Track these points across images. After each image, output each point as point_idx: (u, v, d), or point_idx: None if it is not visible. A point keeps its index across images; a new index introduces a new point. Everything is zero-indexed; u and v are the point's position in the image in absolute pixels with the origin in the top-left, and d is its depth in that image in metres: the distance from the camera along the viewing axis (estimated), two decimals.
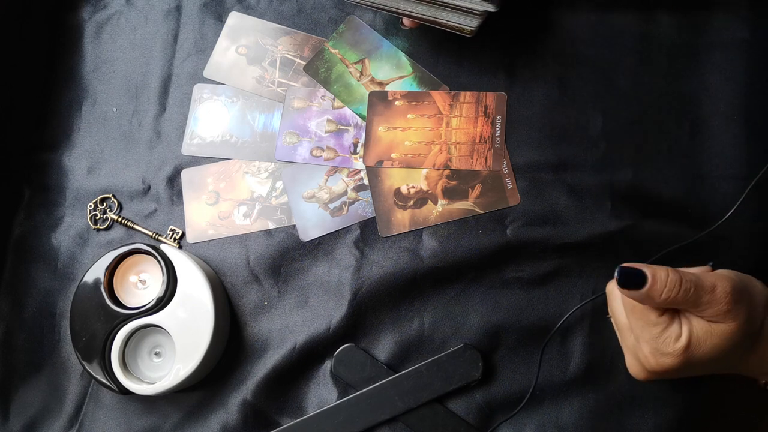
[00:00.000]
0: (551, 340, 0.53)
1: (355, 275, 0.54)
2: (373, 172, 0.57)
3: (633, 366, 0.47)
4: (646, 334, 0.44)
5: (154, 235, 0.56)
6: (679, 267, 0.51)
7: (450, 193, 0.56)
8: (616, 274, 0.43)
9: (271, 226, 0.56)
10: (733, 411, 0.53)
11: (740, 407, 0.54)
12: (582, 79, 0.57)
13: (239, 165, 0.58)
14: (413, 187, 0.56)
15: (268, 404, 0.53)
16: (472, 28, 0.52)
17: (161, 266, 0.51)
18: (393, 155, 0.57)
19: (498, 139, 0.56)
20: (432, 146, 0.57)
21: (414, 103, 0.58)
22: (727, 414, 0.53)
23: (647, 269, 0.42)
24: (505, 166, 0.56)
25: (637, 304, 0.44)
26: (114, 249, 0.52)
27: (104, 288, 0.51)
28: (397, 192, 0.56)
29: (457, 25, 0.52)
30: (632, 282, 0.42)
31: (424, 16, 0.52)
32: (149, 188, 0.58)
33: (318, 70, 0.59)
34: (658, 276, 0.42)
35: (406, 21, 0.56)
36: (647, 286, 0.42)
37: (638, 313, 0.44)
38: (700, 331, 0.42)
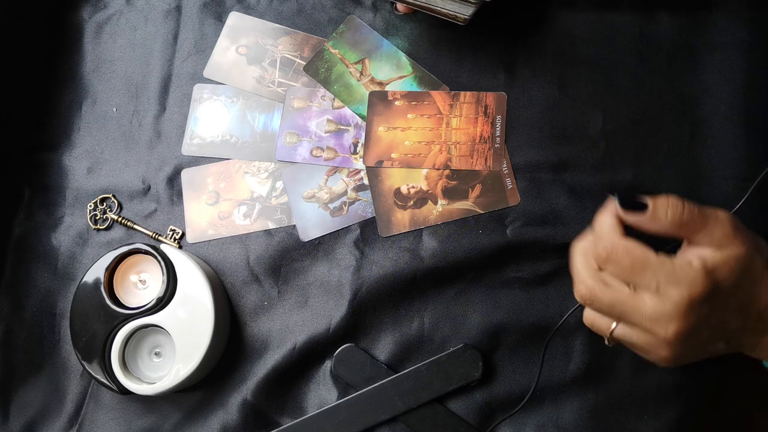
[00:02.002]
0: (551, 340, 0.53)
1: (355, 275, 0.54)
2: (373, 172, 0.57)
3: (656, 336, 0.41)
4: (659, 275, 0.40)
5: (154, 235, 0.57)
6: None
7: (450, 193, 0.56)
8: (616, 197, 0.41)
9: (271, 226, 0.56)
10: (733, 411, 0.53)
11: (740, 407, 0.54)
12: (582, 79, 0.57)
13: (239, 165, 0.58)
14: (413, 187, 0.56)
15: (268, 404, 0.53)
16: (466, 17, 0.51)
17: (161, 266, 0.51)
18: (393, 155, 0.57)
19: (498, 139, 0.56)
20: (432, 146, 0.57)
21: (414, 103, 0.58)
22: (727, 414, 0.53)
23: (645, 197, 0.41)
24: (505, 166, 0.56)
25: (635, 250, 0.41)
26: (114, 249, 0.52)
27: (104, 288, 0.51)
28: (397, 192, 0.56)
29: (451, 12, 0.52)
30: (634, 208, 0.41)
31: (418, 3, 0.52)
32: (149, 188, 0.58)
33: (318, 70, 0.59)
34: (659, 200, 0.41)
35: (400, 7, 0.56)
36: (650, 208, 0.41)
37: (639, 259, 0.41)
38: (711, 255, 0.40)
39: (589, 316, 0.44)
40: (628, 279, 0.41)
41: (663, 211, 0.41)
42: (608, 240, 0.42)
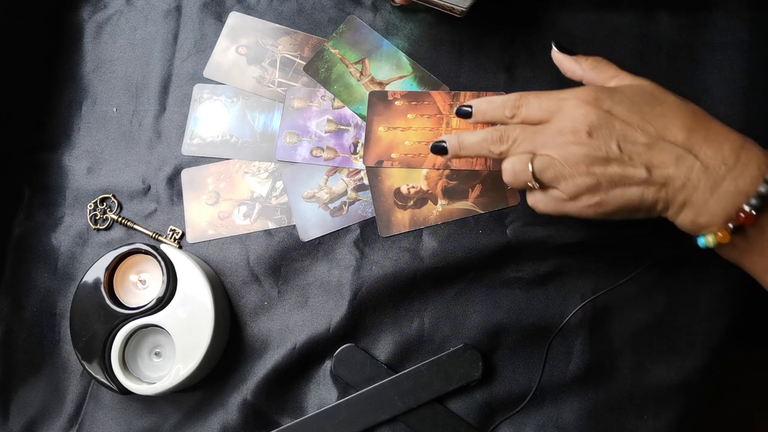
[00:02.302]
0: (552, 340, 0.53)
1: (355, 275, 0.54)
2: (373, 172, 0.57)
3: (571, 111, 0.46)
4: (561, 95, 0.47)
5: (154, 235, 0.57)
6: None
7: (450, 193, 0.56)
8: (553, 43, 0.52)
9: (271, 226, 0.56)
10: (733, 411, 0.53)
11: (740, 407, 0.54)
12: None
13: (239, 165, 0.58)
14: (413, 187, 0.56)
15: (268, 404, 0.53)
16: (463, 9, 0.52)
17: (161, 266, 0.51)
18: (393, 155, 0.57)
19: None
20: None
21: (414, 103, 0.58)
22: (727, 414, 0.53)
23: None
24: None
25: (540, 92, 0.48)
26: (114, 249, 0.52)
27: (104, 288, 0.51)
28: (397, 192, 0.56)
29: (447, 4, 0.52)
30: (566, 51, 0.51)
31: None
32: (149, 188, 0.58)
33: (318, 70, 0.59)
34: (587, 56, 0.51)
35: None
36: (578, 54, 0.51)
37: (544, 93, 0.48)
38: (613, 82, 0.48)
39: (507, 167, 0.48)
40: (537, 114, 0.47)
41: (585, 58, 0.50)
42: (517, 94, 0.49)
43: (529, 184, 0.47)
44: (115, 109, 0.59)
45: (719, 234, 0.43)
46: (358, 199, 0.56)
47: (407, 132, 0.57)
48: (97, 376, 0.50)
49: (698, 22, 0.58)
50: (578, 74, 0.50)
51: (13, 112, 0.60)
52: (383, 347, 0.54)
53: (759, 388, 0.53)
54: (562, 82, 0.57)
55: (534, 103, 0.47)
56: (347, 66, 0.59)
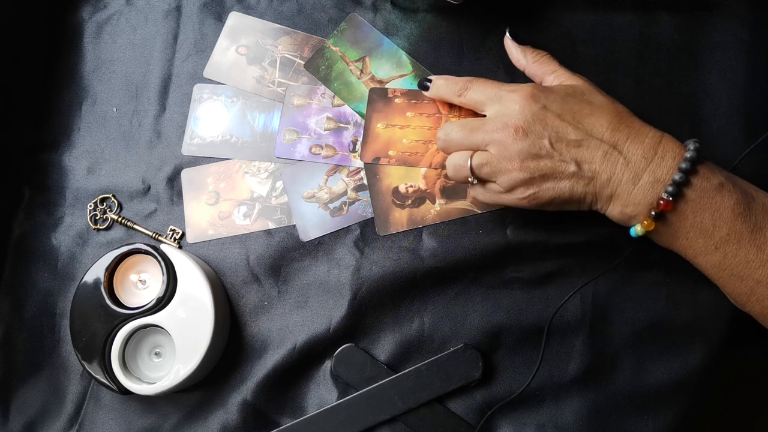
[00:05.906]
0: (551, 341, 0.53)
1: (355, 275, 0.54)
2: (371, 170, 0.57)
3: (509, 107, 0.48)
4: (502, 88, 0.49)
5: (154, 235, 0.57)
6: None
7: (448, 193, 0.56)
8: (507, 30, 0.54)
9: (271, 226, 0.56)
10: (733, 411, 0.53)
11: (740, 407, 0.54)
12: None
13: (239, 165, 0.58)
14: (411, 186, 0.56)
15: (268, 404, 0.53)
16: None
17: (161, 266, 0.51)
18: (390, 152, 0.57)
19: None
20: (430, 145, 0.56)
21: (414, 101, 0.57)
22: (727, 414, 0.53)
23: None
24: None
25: (486, 79, 0.51)
26: (114, 249, 0.52)
27: (104, 288, 0.51)
28: (395, 191, 0.56)
29: None
30: (518, 40, 0.54)
31: None
32: (149, 188, 0.58)
33: (318, 68, 0.59)
34: (536, 49, 0.53)
35: None
36: (528, 46, 0.53)
37: (489, 81, 0.51)
38: (550, 80, 0.51)
39: (449, 162, 0.50)
40: (480, 97, 0.50)
41: (531, 50, 0.53)
42: (470, 77, 0.52)
43: (469, 180, 0.50)
44: (115, 109, 0.59)
45: (645, 222, 0.46)
46: (358, 199, 0.56)
47: (405, 130, 0.57)
48: (97, 376, 0.51)
49: (698, 22, 0.57)
50: (522, 64, 0.53)
51: (13, 112, 0.60)
52: (383, 347, 0.54)
53: (759, 389, 0.53)
54: None
55: (480, 87, 0.51)
56: (348, 64, 0.59)
